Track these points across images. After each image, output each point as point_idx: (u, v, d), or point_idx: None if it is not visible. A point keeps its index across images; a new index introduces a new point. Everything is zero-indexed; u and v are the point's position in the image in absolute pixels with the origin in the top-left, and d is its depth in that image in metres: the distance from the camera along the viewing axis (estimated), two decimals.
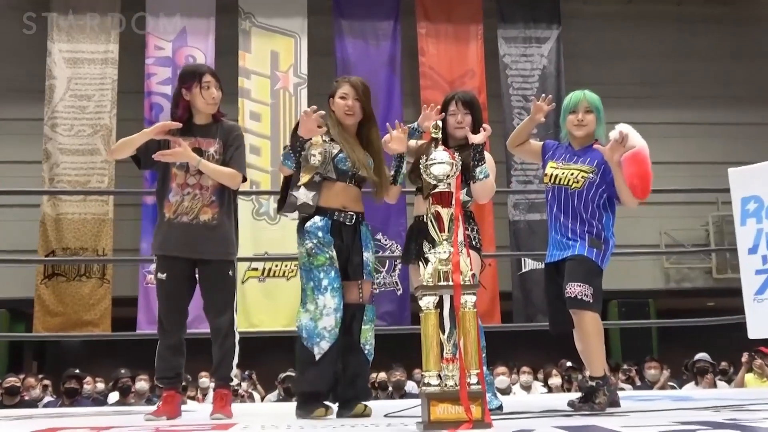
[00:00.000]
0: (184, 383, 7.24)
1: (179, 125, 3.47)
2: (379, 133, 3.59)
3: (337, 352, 3.32)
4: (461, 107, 3.62)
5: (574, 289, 3.40)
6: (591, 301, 3.39)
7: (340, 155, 3.41)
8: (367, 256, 3.48)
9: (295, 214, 3.48)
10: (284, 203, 3.47)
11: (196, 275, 3.60)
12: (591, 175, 3.55)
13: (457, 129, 3.61)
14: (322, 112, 3.37)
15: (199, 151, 3.53)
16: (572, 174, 3.58)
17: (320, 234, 3.32)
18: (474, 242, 3.48)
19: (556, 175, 3.62)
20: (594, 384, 3.40)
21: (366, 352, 3.43)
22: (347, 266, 3.41)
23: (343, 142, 3.44)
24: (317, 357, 3.25)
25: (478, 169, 3.45)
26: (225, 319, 3.56)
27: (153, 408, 3.59)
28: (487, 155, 3.54)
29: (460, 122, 3.61)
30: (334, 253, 3.33)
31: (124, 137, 3.59)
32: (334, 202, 3.40)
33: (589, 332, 3.42)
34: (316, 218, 3.35)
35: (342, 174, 3.42)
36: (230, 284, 3.62)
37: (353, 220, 3.44)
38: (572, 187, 3.57)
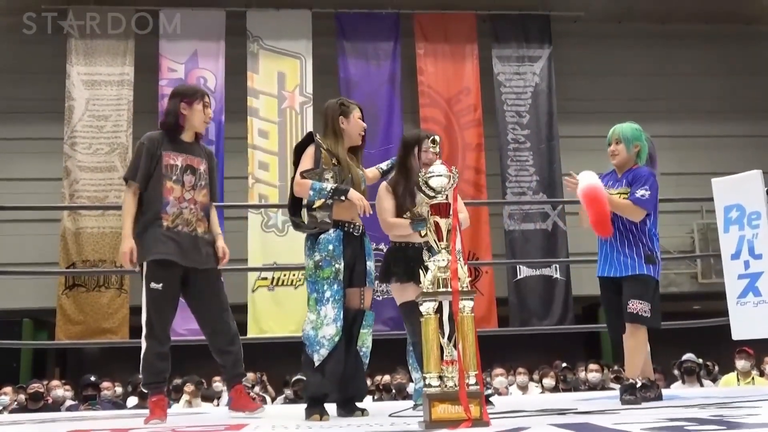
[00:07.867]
0: (195, 388, 7.26)
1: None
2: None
3: (339, 357, 3.33)
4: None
5: (636, 306, 3.69)
6: (649, 316, 3.69)
7: (349, 177, 3.46)
8: (370, 264, 3.54)
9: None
10: (298, 224, 3.53)
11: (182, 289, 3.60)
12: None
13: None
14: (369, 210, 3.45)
15: (192, 169, 3.59)
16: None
17: (330, 247, 3.37)
18: None
19: None
20: (630, 382, 3.70)
21: (362, 354, 3.47)
22: (352, 274, 3.45)
23: (348, 162, 3.50)
24: (317, 363, 3.29)
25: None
26: (234, 322, 3.68)
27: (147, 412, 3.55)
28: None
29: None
30: (341, 266, 3.36)
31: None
32: (345, 215, 3.45)
33: (635, 345, 3.74)
34: (330, 230, 3.39)
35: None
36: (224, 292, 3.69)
37: (360, 231, 3.50)
38: None
